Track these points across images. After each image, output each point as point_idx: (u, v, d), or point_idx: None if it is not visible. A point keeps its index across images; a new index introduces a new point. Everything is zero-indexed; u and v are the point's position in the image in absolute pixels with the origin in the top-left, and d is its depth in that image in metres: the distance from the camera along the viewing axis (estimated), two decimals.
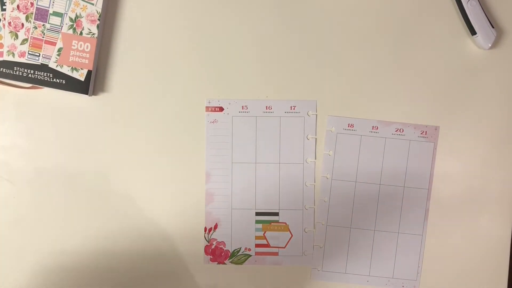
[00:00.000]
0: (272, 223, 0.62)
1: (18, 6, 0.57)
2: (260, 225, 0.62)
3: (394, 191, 0.62)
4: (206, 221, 0.62)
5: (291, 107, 0.62)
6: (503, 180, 0.62)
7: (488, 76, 0.62)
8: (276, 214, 0.62)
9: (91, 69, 0.58)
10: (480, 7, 0.60)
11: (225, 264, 0.62)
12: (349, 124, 0.62)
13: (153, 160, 0.62)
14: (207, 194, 0.62)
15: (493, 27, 0.60)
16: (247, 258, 0.62)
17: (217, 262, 0.62)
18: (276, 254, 0.62)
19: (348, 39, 0.62)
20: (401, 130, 0.62)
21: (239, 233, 0.62)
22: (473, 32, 0.60)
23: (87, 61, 0.58)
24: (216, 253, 0.62)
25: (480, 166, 0.62)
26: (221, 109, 0.62)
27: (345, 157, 0.62)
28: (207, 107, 0.62)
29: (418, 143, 0.62)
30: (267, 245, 0.62)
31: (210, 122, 0.62)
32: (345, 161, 0.62)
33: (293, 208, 0.62)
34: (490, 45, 0.60)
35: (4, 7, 0.57)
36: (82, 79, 0.58)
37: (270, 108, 0.62)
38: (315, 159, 0.62)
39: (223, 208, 0.62)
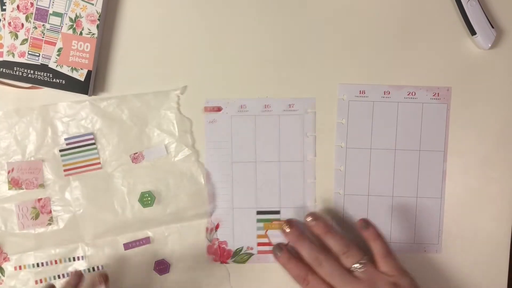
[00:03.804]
0: (273, 222, 0.63)
1: (18, 6, 0.57)
2: (261, 224, 0.63)
3: (409, 155, 0.62)
4: (208, 221, 0.62)
5: (289, 105, 0.62)
6: (503, 180, 0.63)
7: (488, 76, 0.62)
8: (278, 212, 0.63)
9: (91, 69, 0.58)
10: (480, 7, 0.60)
11: (227, 263, 0.62)
12: (360, 91, 0.62)
13: None
14: (208, 194, 0.62)
15: (493, 27, 0.60)
16: (250, 257, 0.63)
17: (219, 262, 0.62)
18: None
19: (346, 39, 0.62)
20: (413, 94, 0.62)
21: (241, 232, 0.63)
22: (473, 32, 0.60)
23: (87, 61, 0.58)
24: (219, 253, 0.62)
25: (480, 166, 0.63)
26: (220, 109, 0.62)
27: (359, 124, 0.62)
28: (205, 107, 0.62)
29: (430, 105, 0.62)
30: (269, 244, 0.63)
31: (209, 122, 0.62)
32: (358, 129, 0.62)
33: (294, 206, 0.62)
34: (490, 45, 0.60)
35: (4, 7, 0.57)
36: (82, 79, 0.58)
37: (268, 106, 0.62)
38: (315, 156, 0.62)
39: (224, 208, 0.62)
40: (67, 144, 0.60)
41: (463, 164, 0.63)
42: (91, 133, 0.61)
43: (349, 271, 0.56)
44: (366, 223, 0.59)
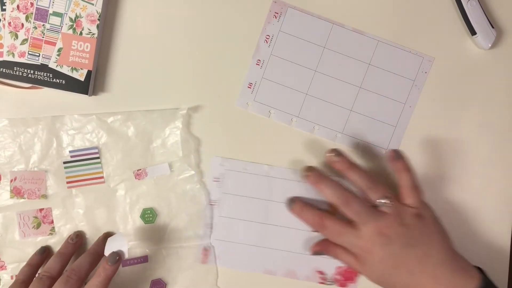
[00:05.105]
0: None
1: (18, 6, 0.57)
2: None
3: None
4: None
5: None
6: (503, 180, 0.63)
7: (488, 76, 0.62)
8: None
9: (91, 69, 0.58)
10: (480, 7, 0.60)
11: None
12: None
13: None
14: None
15: (493, 27, 0.60)
16: None
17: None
18: None
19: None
20: None
21: None
22: (473, 32, 0.60)
23: (87, 61, 0.58)
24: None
25: (480, 166, 0.62)
26: None
27: None
28: None
29: None
30: None
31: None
32: None
33: None
34: (490, 45, 0.60)
35: (4, 7, 0.57)
36: (82, 79, 0.58)
37: None
38: None
39: None
40: (71, 156, 0.60)
41: (463, 164, 0.62)
42: (96, 147, 0.60)
43: (374, 206, 0.54)
44: (397, 154, 0.57)
